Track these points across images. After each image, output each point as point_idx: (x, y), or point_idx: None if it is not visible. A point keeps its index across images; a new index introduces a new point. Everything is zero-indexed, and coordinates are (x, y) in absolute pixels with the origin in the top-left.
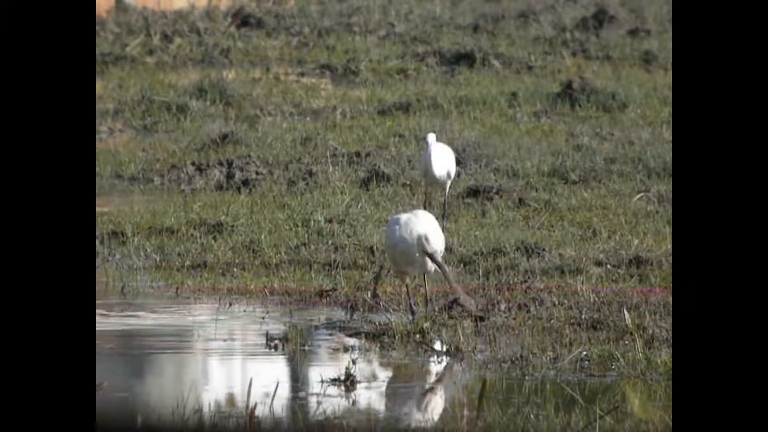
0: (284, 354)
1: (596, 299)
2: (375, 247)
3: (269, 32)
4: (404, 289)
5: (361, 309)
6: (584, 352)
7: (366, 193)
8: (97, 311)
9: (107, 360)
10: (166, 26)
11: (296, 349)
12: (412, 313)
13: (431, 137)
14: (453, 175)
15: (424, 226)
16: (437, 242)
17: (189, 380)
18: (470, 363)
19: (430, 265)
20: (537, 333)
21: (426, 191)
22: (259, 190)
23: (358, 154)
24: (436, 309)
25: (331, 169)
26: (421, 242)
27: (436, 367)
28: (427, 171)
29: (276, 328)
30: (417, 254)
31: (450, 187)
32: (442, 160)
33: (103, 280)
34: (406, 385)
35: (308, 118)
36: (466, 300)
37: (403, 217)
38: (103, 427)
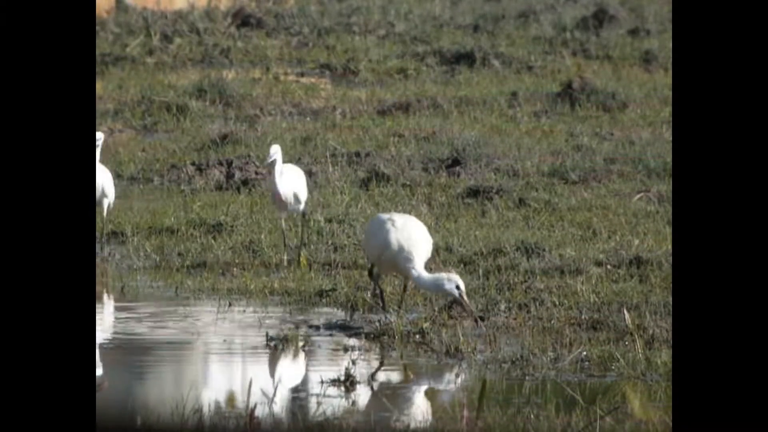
0: (284, 354)
1: (596, 299)
2: None
3: (269, 32)
4: (377, 287)
5: (361, 309)
6: (584, 353)
7: (366, 193)
8: (97, 312)
9: (107, 360)
10: (166, 26)
11: (296, 350)
12: (383, 305)
13: (275, 149)
14: (303, 199)
15: (422, 238)
16: (428, 250)
17: (189, 380)
18: (470, 363)
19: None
20: (537, 333)
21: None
22: (258, 190)
23: (357, 154)
24: (436, 309)
25: (330, 169)
26: (454, 292)
27: (436, 367)
28: (273, 194)
29: (276, 328)
30: (406, 264)
31: (303, 212)
32: (289, 182)
33: (103, 280)
34: (406, 385)
35: (308, 118)
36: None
37: (398, 221)
38: (103, 427)
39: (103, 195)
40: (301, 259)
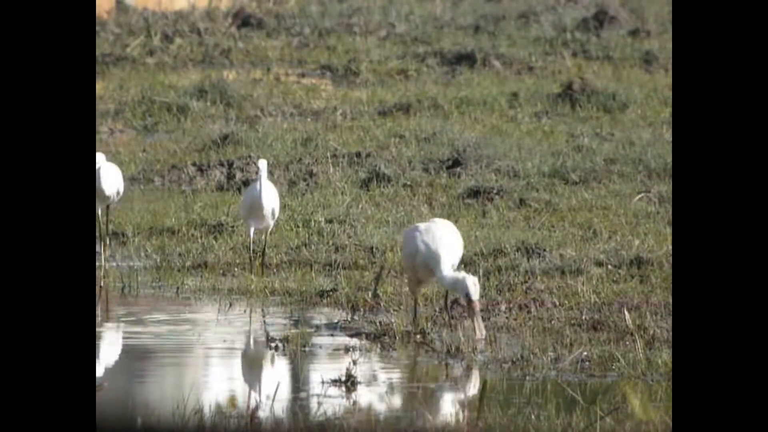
0: (285, 354)
1: (597, 300)
2: (375, 247)
3: (270, 33)
4: (413, 302)
5: (362, 309)
6: (585, 353)
7: (366, 193)
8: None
9: (107, 360)
10: (167, 27)
11: (297, 350)
12: (415, 317)
13: (263, 164)
14: (277, 213)
15: (450, 240)
16: (458, 253)
17: (189, 381)
18: (471, 363)
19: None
20: (538, 333)
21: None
22: None
23: (358, 155)
24: (437, 309)
25: (331, 169)
26: (464, 290)
27: (436, 367)
28: (253, 205)
29: (276, 328)
30: (438, 268)
31: (272, 227)
32: (269, 196)
33: (105, 280)
34: (406, 386)
35: (309, 119)
36: (479, 332)
37: (421, 226)
38: (103, 427)
39: (117, 193)
40: (256, 265)
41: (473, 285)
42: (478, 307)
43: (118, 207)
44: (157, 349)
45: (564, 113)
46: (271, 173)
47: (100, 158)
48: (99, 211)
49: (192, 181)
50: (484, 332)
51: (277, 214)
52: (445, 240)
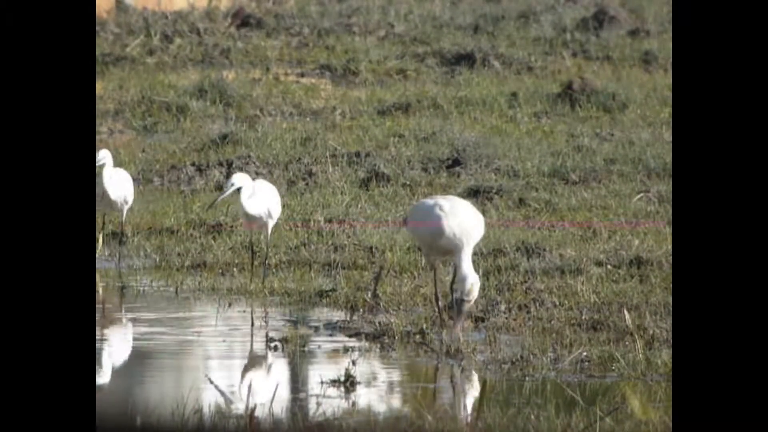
0: (284, 355)
1: (596, 300)
2: (375, 247)
3: (269, 33)
4: (432, 275)
5: (361, 309)
6: (584, 353)
7: (366, 193)
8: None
9: (107, 360)
10: (166, 27)
11: (296, 350)
12: (437, 301)
13: (235, 179)
14: (275, 216)
15: (472, 229)
16: (478, 235)
17: (189, 380)
18: (470, 364)
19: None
20: (537, 334)
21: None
22: None
23: (357, 155)
24: (437, 309)
25: (330, 169)
26: (462, 287)
27: (436, 367)
28: (243, 213)
29: (276, 328)
30: (457, 247)
31: (270, 228)
32: (261, 199)
33: (104, 280)
34: (406, 386)
35: (308, 119)
36: (455, 330)
37: (446, 205)
38: (103, 427)
39: (125, 201)
40: (264, 283)
41: (473, 287)
42: (465, 307)
43: (129, 213)
44: (156, 349)
45: (564, 113)
46: (270, 173)
47: (106, 156)
48: (104, 217)
49: (191, 181)
50: (459, 332)
51: (275, 215)
52: (471, 227)
